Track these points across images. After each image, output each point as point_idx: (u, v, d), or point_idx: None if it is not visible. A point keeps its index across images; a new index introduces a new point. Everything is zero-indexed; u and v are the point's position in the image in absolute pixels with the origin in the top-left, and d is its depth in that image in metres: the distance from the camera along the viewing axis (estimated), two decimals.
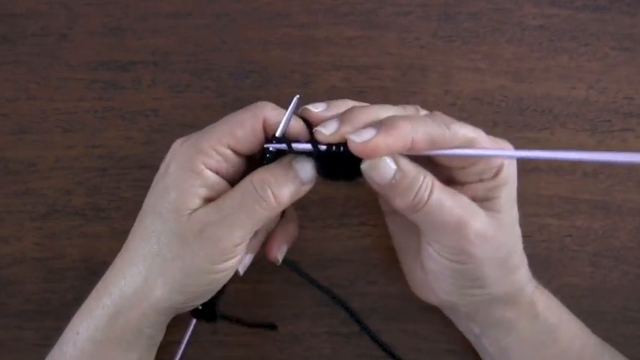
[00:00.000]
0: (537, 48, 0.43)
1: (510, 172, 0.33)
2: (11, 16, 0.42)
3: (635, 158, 0.26)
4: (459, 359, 0.42)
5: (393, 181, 0.31)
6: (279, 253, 0.36)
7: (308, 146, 0.31)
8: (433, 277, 0.36)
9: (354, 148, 0.30)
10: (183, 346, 0.39)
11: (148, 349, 0.35)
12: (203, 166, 0.31)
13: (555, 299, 0.37)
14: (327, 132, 0.31)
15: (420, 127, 0.30)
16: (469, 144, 0.31)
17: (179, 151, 0.32)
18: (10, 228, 0.42)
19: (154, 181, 0.33)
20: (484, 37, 0.43)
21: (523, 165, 0.43)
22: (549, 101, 0.43)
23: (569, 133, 0.43)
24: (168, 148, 0.42)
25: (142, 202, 0.42)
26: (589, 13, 0.43)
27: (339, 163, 0.32)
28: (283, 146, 0.32)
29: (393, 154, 0.31)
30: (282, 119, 0.32)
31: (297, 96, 0.32)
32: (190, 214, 0.31)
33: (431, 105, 0.42)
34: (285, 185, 0.32)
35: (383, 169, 0.31)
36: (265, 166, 0.32)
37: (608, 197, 0.43)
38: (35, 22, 0.42)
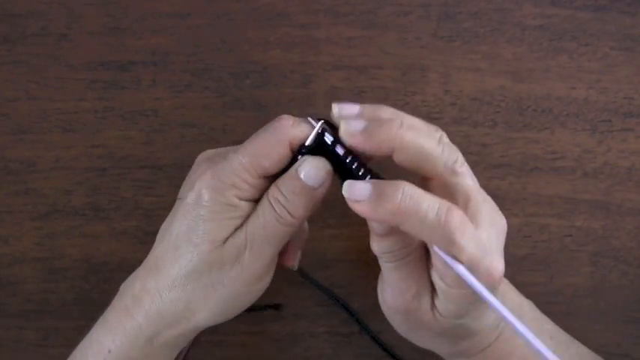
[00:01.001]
0: (537, 48, 0.43)
1: (470, 299, 0.30)
2: (11, 16, 0.42)
3: None
4: None
5: (380, 233, 0.32)
6: (295, 259, 0.37)
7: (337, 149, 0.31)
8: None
9: (345, 196, 0.30)
10: (185, 350, 0.39)
11: (175, 355, 0.36)
12: (237, 200, 0.32)
13: (519, 346, 0.36)
14: (345, 129, 0.31)
15: (414, 214, 0.28)
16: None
17: (211, 184, 0.31)
18: (10, 228, 0.42)
19: (183, 207, 0.32)
20: (484, 37, 0.43)
21: (523, 165, 0.43)
22: (549, 101, 0.43)
23: (569, 133, 0.43)
24: (168, 148, 0.42)
25: (142, 201, 0.42)
26: (589, 13, 0.43)
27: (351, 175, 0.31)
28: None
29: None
30: (311, 136, 0.31)
31: (322, 121, 0.32)
32: (225, 242, 0.32)
33: (431, 105, 0.42)
34: (296, 198, 0.31)
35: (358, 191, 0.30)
36: (278, 181, 0.32)
37: (608, 197, 0.43)
38: (35, 22, 0.42)
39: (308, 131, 0.31)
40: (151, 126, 0.42)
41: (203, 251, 0.32)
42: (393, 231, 0.31)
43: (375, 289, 0.43)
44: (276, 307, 0.42)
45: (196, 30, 0.42)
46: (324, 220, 0.42)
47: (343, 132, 0.31)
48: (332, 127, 0.32)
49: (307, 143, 0.31)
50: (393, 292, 0.33)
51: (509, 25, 0.43)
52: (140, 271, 0.34)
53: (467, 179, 0.31)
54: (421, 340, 0.35)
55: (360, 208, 0.29)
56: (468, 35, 0.43)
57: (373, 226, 0.32)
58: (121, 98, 0.42)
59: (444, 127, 0.42)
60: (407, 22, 0.43)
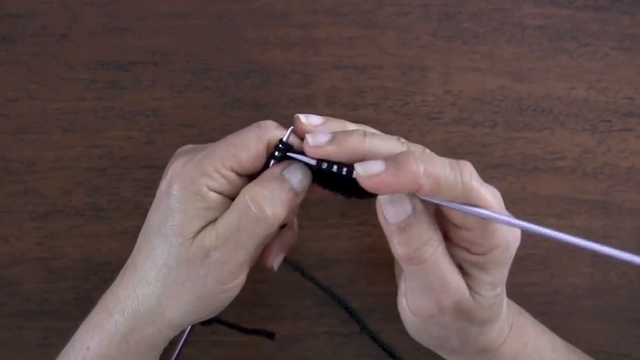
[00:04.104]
0: (537, 48, 0.43)
1: (503, 257, 0.31)
2: (11, 16, 0.42)
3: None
4: None
5: (403, 225, 0.30)
6: (275, 261, 0.36)
7: (311, 161, 0.31)
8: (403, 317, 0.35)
9: (359, 179, 0.29)
10: (179, 347, 0.39)
11: (157, 358, 0.35)
12: (207, 189, 0.31)
13: (533, 340, 0.37)
14: (311, 142, 0.31)
15: (432, 171, 0.28)
16: (480, 205, 0.29)
17: (182, 172, 0.32)
18: (10, 228, 0.42)
19: (157, 198, 0.33)
20: (484, 37, 0.43)
21: (523, 165, 0.43)
22: (549, 101, 0.43)
23: (569, 133, 0.43)
24: (168, 148, 0.42)
25: (142, 201, 0.42)
26: (589, 13, 0.43)
27: (337, 181, 0.32)
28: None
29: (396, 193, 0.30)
30: (287, 132, 0.32)
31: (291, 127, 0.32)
32: (194, 237, 0.31)
33: (431, 105, 0.42)
34: (280, 199, 0.31)
35: (398, 208, 0.30)
36: (258, 181, 0.32)
37: (608, 197, 0.43)
38: (35, 22, 0.42)
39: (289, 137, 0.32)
40: (151, 126, 0.42)
41: (172, 245, 0.31)
42: (413, 221, 0.30)
43: (374, 289, 0.43)
44: (270, 335, 0.42)
45: (196, 30, 0.42)
46: (324, 220, 0.42)
47: (310, 143, 0.31)
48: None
49: (284, 139, 0.32)
50: (432, 296, 0.32)
51: (509, 25, 0.43)
52: (123, 268, 0.34)
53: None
54: (456, 341, 0.34)
55: (379, 180, 0.29)
56: (468, 35, 0.43)
57: (390, 218, 0.30)
58: (121, 98, 0.42)
59: (444, 127, 0.43)
60: (407, 22, 0.43)
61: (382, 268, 0.42)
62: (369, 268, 0.43)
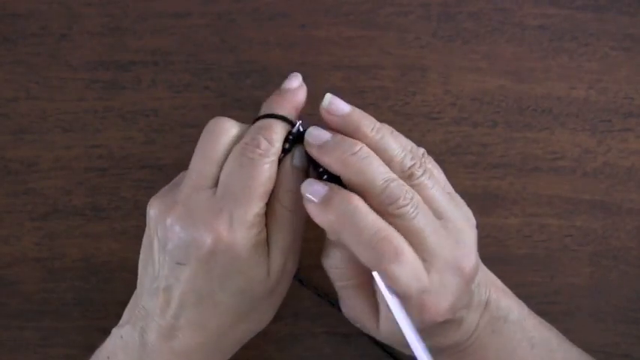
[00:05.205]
0: (537, 48, 0.43)
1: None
2: (11, 16, 0.42)
3: None
4: None
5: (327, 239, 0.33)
6: None
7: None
8: None
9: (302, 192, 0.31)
10: None
11: None
12: (257, 235, 0.32)
13: (500, 349, 0.36)
14: (306, 140, 0.32)
15: (352, 230, 0.29)
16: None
17: (232, 239, 0.30)
18: (10, 228, 0.42)
19: (197, 266, 0.31)
20: (484, 37, 0.43)
21: (523, 165, 0.43)
22: (549, 101, 0.43)
23: (569, 133, 0.43)
24: (168, 148, 0.42)
25: (142, 201, 0.42)
26: (589, 13, 0.43)
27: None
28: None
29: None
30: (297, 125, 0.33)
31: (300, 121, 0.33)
32: (268, 271, 0.32)
33: (431, 105, 0.42)
34: (299, 183, 0.32)
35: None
36: (280, 185, 0.32)
37: (608, 197, 0.43)
38: (35, 22, 0.42)
39: (283, 131, 0.33)
40: (151, 126, 0.42)
41: (252, 294, 0.32)
42: (334, 245, 0.32)
43: None
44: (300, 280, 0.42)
45: (196, 30, 0.42)
46: None
47: (307, 136, 0.32)
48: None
49: (294, 130, 0.33)
50: (344, 304, 0.34)
51: (509, 25, 0.43)
52: (178, 334, 0.32)
53: (407, 222, 0.30)
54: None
55: (308, 207, 0.30)
56: (468, 35, 0.43)
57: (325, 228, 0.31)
58: (121, 98, 0.42)
59: (444, 127, 0.43)
60: (407, 22, 0.43)
61: None
62: None
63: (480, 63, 0.43)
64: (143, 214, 0.42)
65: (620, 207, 0.43)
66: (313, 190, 0.30)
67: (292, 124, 0.33)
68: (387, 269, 0.29)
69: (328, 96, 0.32)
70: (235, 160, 0.31)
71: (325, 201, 0.30)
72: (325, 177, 0.32)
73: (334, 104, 0.32)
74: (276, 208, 0.32)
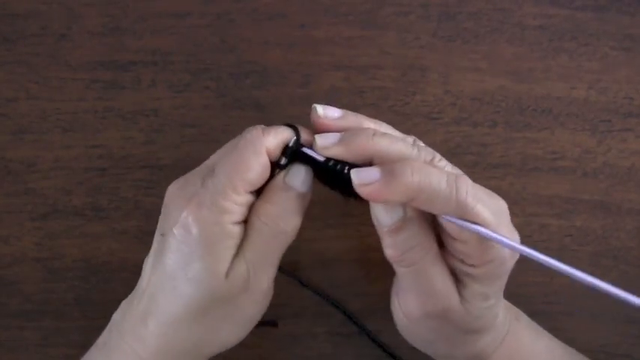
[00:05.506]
0: (537, 48, 0.43)
1: (497, 272, 0.31)
2: (11, 16, 0.42)
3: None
4: None
5: (393, 227, 0.30)
6: None
7: (316, 155, 0.31)
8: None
9: (354, 185, 0.30)
10: None
11: None
12: (231, 225, 0.31)
13: (526, 336, 0.37)
14: (319, 144, 0.31)
15: (427, 185, 0.28)
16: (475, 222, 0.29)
17: (201, 216, 0.30)
18: (10, 228, 0.42)
19: (171, 245, 0.31)
20: (484, 37, 0.43)
21: (523, 165, 0.43)
22: (549, 101, 0.43)
23: (569, 133, 0.43)
24: (168, 148, 0.42)
25: (142, 201, 0.42)
26: (589, 13, 0.43)
27: (336, 179, 0.31)
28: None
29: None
30: (292, 140, 0.32)
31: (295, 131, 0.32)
32: (227, 274, 0.31)
33: (431, 105, 0.42)
34: (292, 209, 0.32)
35: (391, 211, 0.30)
36: (264, 198, 0.32)
37: (608, 197, 0.43)
38: (35, 22, 0.42)
39: (281, 136, 0.32)
40: (151, 126, 0.42)
41: (206, 287, 0.31)
42: (403, 225, 0.30)
43: (374, 289, 0.43)
44: (273, 323, 0.42)
45: (196, 30, 0.42)
46: (323, 220, 0.42)
47: (319, 146, 0.31)
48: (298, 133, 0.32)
49: (290, 144, 0.32)
50: (420, 299, 0.32)
51: (509, 25, 0.43)
52: (135, 310, 0.33)
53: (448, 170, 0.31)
54: (444, 346, 0.35)
55: (372, 189, 0.29)
56: (468, 35, 0.43)
57: (381, 220, 0.31)
58: (121, 98, 0.42)
59: (444, 127, 0.43)
60: (407, 22, 0.43)
61: (382, 268, 0.42)
62: (369, 268, 0.43)
63: (480, 63, 0.43)
64: (143, 214, 0.43)
65: (620, 207, 0.43)
66: (368, 174, 0.29)
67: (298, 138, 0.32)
68: (472, 201, 0.28)
69: (318, 106, 0.32)
70: (231, 143, 0.32)
71: (388, 175, 0.29)
72: (332, 182, 0.32)
73: (328, 110, 0.32)
74: (254, 220, 0.32)
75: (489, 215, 0.29)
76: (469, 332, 0.33)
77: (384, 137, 0.31)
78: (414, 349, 0.41)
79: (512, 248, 0.29)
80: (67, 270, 0.42)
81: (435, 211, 0.29)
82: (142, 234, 0.42)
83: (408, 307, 0.33)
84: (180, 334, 0.32)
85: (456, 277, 0.32)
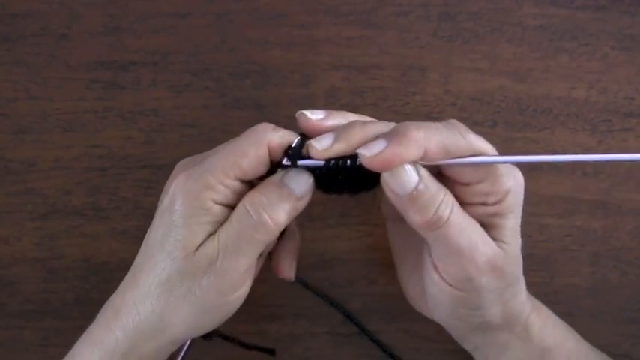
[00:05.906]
0: (537, 48, 0.43)
1: (516, 201, 0.32)
2: (11, 16, 0.42)
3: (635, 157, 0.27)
4: (458, 359, 0.42)
5: (414, 193, 0.30)
6: (289, 271, 0.37)
7: (318, 163, 0.31)
8: (432, 300, 0.35)
9: (366, 163, 0.29)
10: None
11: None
12: (212, 203, 0.31)
13: (552, 317, 0.37)
14: (319, 147, 0.31)
15: (433, 135, 0.29)
16: (483, 154, 0.31)
17: (185, 187, 0.31)
18: (10, 228, 0.42)
19: (159, 214, 0.32)
20: (484, 37, 0.43)
21: (523, 165, 0.43)
22: (549, 101, 0.43)
23: (569, 133, 0.43)
24: (168, 148, 0.42)
25: (142, 201, 0.42)
26: (589, 13, 0.43)
27: (342, 178, 0.31)
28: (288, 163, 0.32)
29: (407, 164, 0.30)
30: (295, 140, 0.32)
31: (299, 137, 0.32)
32: (196, 250, 0.31)
33: (431, 105, 0.42)
34: (280, 205, 0.31)
35: (405, 178, 0.30)
36: (257, 188, 0.32)
37: (608, 197, 0.43)
38: (35, 22, 0.42)
39: (288, 137, 0.32)
40: (151, 126, 0.42)
41: (175, 259, 0.31)
42: (421, 186, 0.30)
43: (374, 289, 0.43)
44: (271, 351, 0.42)
45: (196, 30, 0.42)
46: (323, 220, 0.42)
47: (318, 147, 0.31)
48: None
49: (294, 145, 0.31)
50: (463, 258, 0.31)
51: (509, 25, 0.43)
52: (122, 282, 0.33)
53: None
54: (493, 309, 0.34)
55: (386, 155, 0.29)
56: (468, 35, 0.43)
57: (399, 190, 0.30)
58: (121, 98, 0.42)
59: None
60: (407, 22, 0.43)
61: (382, 268, 0.42)
62: (369, 268, 0.43)
63: (480, 63, 0.43)
64: (143, 214, 0.43)
65: (620, 207, 0.43)
66: (375, 145, 0.29)
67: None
68: (472, 135, 0.30)
69: (305, 110, 0.32)
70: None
71: (395, 134, 0.29)
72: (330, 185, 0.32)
73: (314, 112, 0.32)
74: (239, 206, 0.31)
75: (487, 144, 0.31)
76: (512, 281, 0.34)
77: (375, 123, 0.31)
78: (414, 349, 0.42)
79: (526, 161, 0.31)
80: (67, 270, 0.42)
81: (448, 157, 0.30)
82: (142, 234, 0.42)
83: (454, 273, 0.32)
84: (147, 306, 0.32)
85: (483, 225, 0.32)
